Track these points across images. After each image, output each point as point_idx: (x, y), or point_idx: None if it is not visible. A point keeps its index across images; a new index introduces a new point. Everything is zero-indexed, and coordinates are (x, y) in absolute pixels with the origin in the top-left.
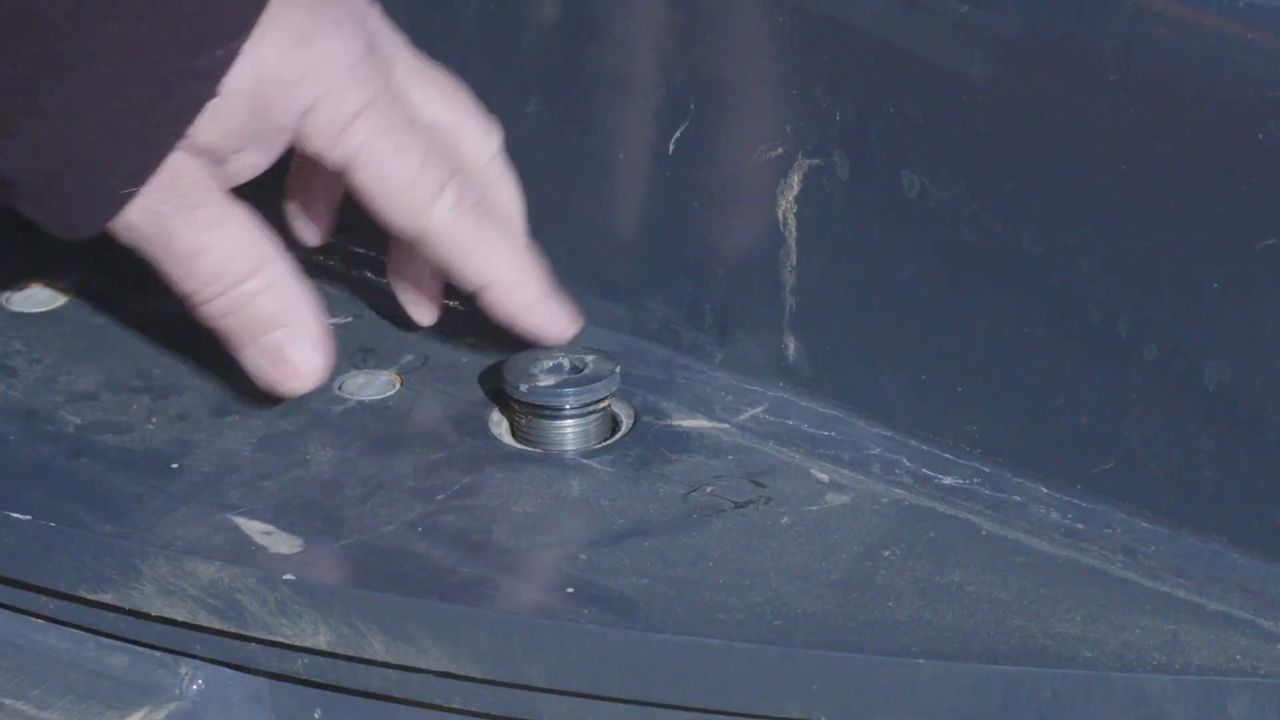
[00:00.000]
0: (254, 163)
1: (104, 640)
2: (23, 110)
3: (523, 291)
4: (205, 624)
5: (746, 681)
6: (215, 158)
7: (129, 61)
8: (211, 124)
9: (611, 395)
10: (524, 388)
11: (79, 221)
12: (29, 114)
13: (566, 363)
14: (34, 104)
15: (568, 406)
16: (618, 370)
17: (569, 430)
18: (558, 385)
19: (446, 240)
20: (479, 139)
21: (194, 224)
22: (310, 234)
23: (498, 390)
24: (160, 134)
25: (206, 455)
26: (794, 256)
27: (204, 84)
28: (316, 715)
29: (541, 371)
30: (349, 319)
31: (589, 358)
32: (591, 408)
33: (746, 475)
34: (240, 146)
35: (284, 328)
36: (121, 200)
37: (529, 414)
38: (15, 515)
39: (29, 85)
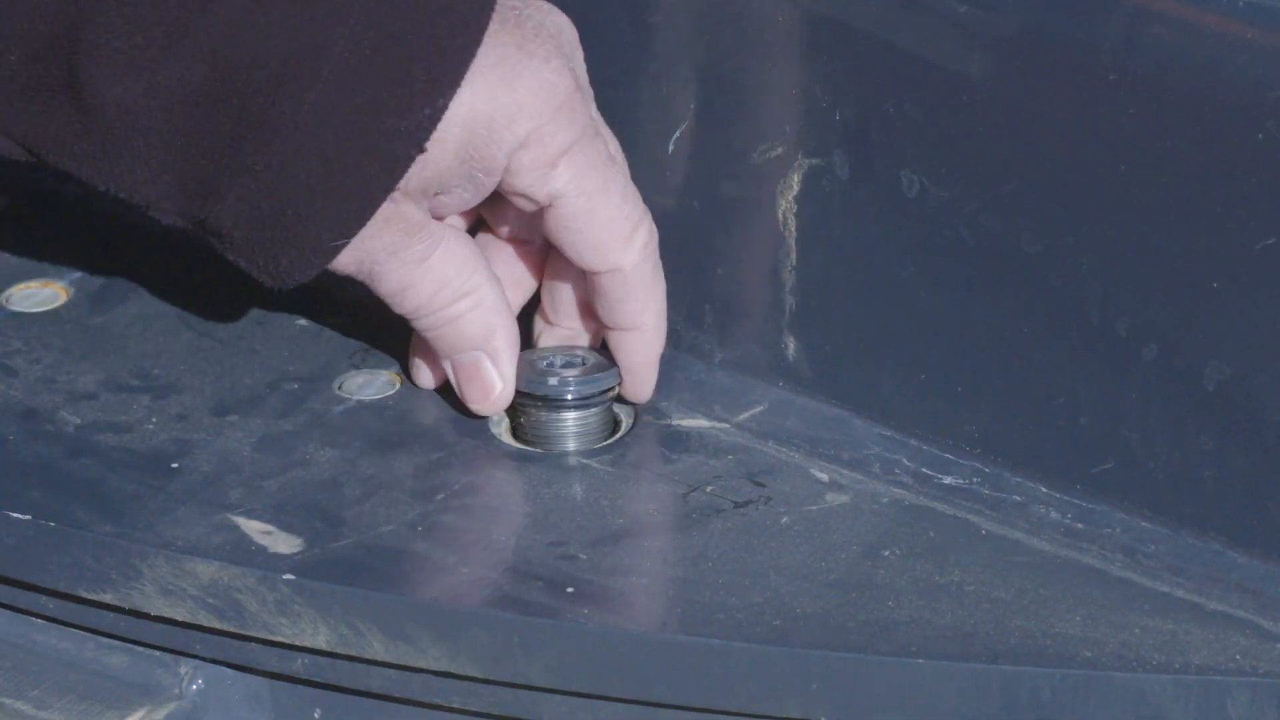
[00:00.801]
0: (464, 199)
1: (104, 640)
2: (231, 170)
3: (658, 344)
4: (205, 624)
5: (746, 681)
6: (425, 197)
7: (333, 126)
8: (420, 172)
9: (613, 389)
10: (526, 380)
11: (289, 272)
12: (238, 174)
13: (564, 359)
14: (242, 164)
15: (569, 397)
16: (616, 367)
17: (570, 425)
18: (559, 379)
19: (630, 280)
20: None
21: (402, 264)
22: None
23: None
24: (368, 190)
25: (206, 455)
26: (794, 256)
27: (410, 142)
28: (316, 715)
29: (542, 366)
30: (349, 319)
31: (588, 355)
32: (593, 400)
33: (746, 475)
34: (450, 187)
35: (479, 350)
36: (331, 252)
37: (531, 408)
38: (15, 515)
39: (237, 147)
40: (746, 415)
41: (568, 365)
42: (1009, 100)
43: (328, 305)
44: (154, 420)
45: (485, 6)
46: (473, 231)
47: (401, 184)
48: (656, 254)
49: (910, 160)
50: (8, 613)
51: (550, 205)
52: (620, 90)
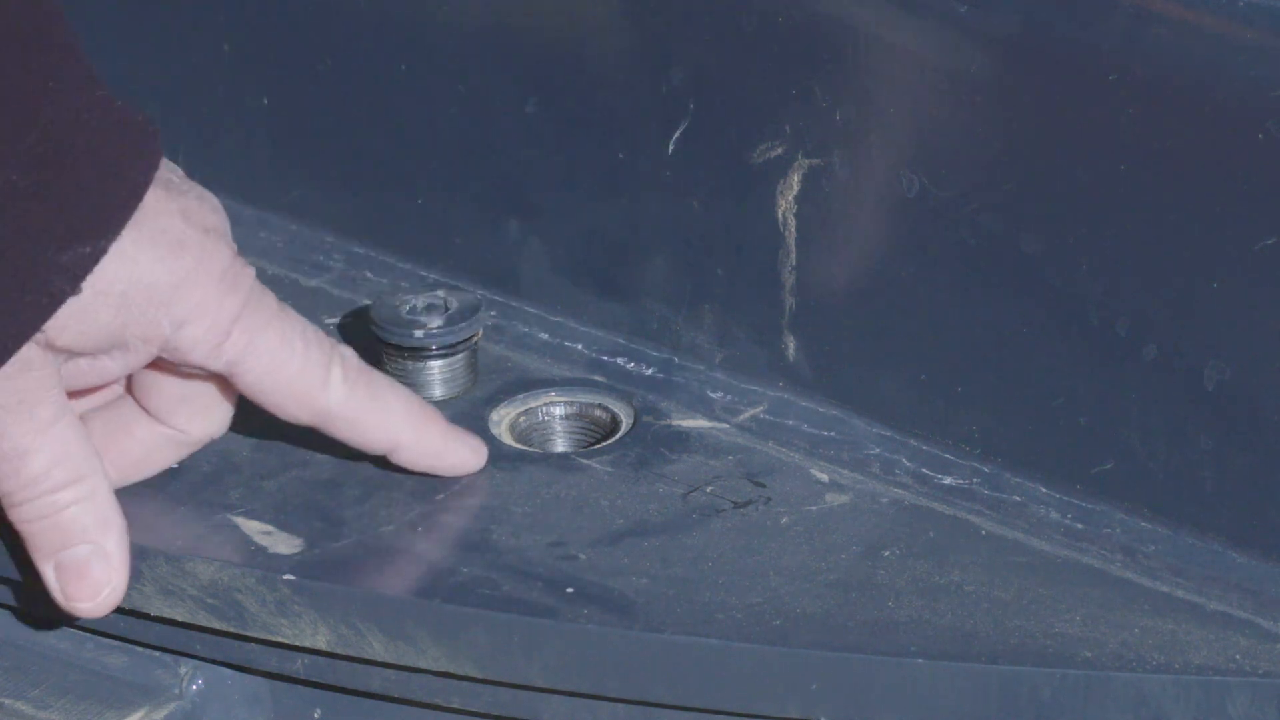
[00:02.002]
0: (107, 369)
1: (104, 640)
2: None
3: (429, 442)
4: (205, 624)
5: (746, 681)
6: (68, 356)
7: None
8: (72, 323)
9: (479, 334)
10: (391, 330)
11: None
12: None
13: (425, 302)
14: None
15: (434, 347)
16: (481, 311)
17: (436, 373)
18: (424, 330)
19: (348, 418)
20: None
21: (29, 422)
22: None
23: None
24: (15, 328)
25: (206, 455)
26: (794, 256)
27: (66, 280)
28: (316, 715)
29: (404, 313)
30: (348, 319)
31: (450, 298)
32: (459, 348)
33: (746, 475)
34: (99, 350)
35: (91, 544)
36: None
37: (398, 358)
38: None
39: None
40: (746, 415)
41: (430, 310)
42: (1009, 100)
43: (328, 305)
44: None
45: (151, 163)
46: None
47: (51, 331)
48: (366, 376)
49: (910, 160)
50: (8, 613)
51: (234, 374)
52: (620, 90)
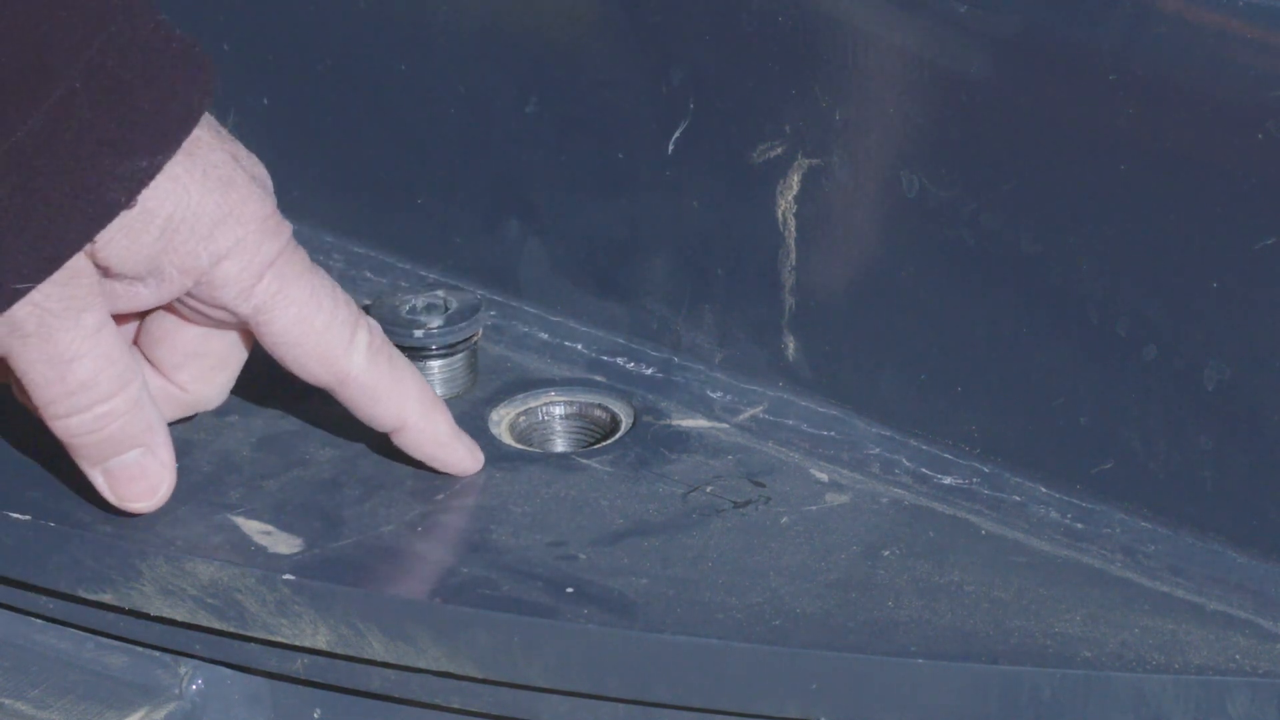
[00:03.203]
0: (140, 297)
1: (104, 640)
2: None
3: (436, 430)
4: (205, 624)
5: (746, 681)
6: (109, 276)
7: (49, 155)
8: (120, 238)
9: (478, 334)
10: (389, 330)
11: None
12: None
13: (425, 302)
14: None
15: (434, 347)
16: (482, 311)
17: (436, 373)
18: (424, 330)
19: (365, 385)
20: None
21: (77, 328)
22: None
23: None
24: (70, 235)
25: (206, 455)
26: (794, 256)
27: (122, 190)
28: (316, 715)
29: (404, 314)
30: None
31: (449, 298)
32: (459, 347)
33: (746, 475)
34: (138, 275)
35: (142, 446)
36: (14, 295)
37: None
38: (15, 515)
39: None
40: (746, 415)
41: (430, 310)
42: (1009, 100)
43: None
44: None
45: (206, 90)
46: None
47: (102, 242)
48: (388, 349)
49: (910, 160)
50: (8, 613)
51: (259, 322)
52: (620, 90)
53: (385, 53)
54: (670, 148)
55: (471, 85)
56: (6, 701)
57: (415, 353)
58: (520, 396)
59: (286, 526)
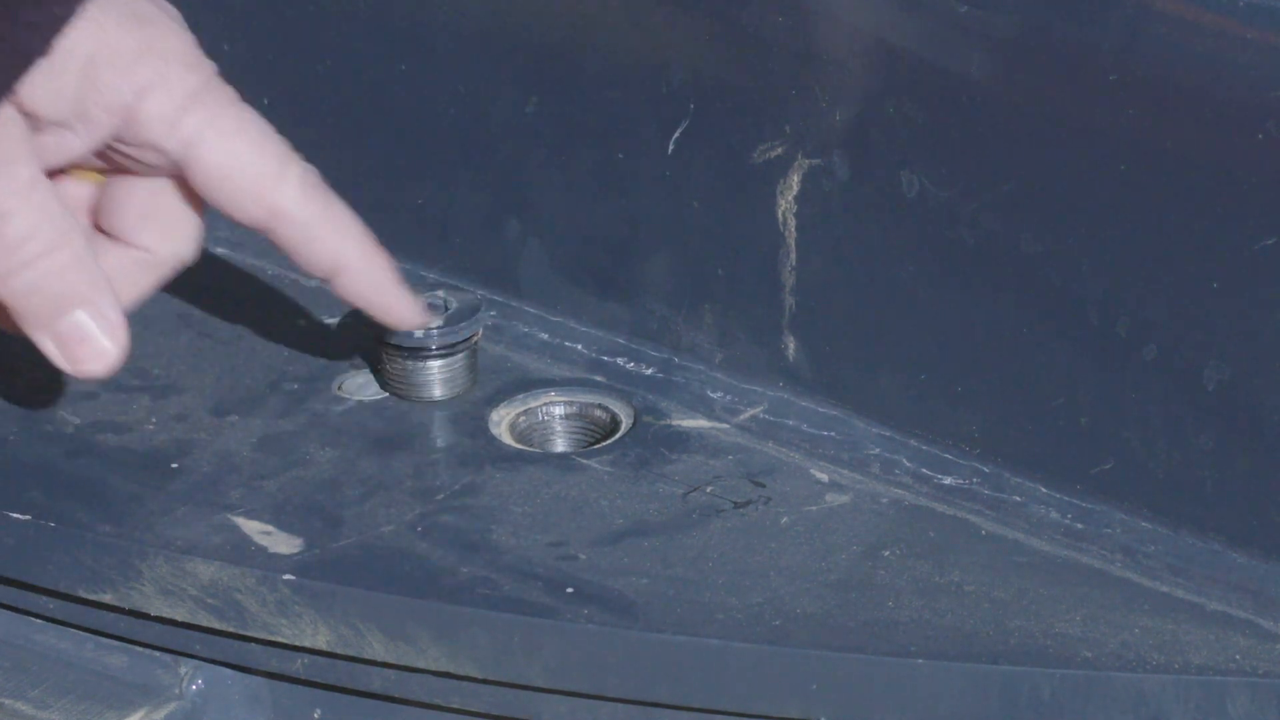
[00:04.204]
0: (71, 146)
1: (104, 640)
2: None
3: (378, 273)
4: (205, 624)
5: (746, 681)
6: (38, 125)
7: None
8: (42, 86)
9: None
10: (390, 330)
11: None
12: None
13: (425, 301)
14: None
15: (434, 346)
16: (482, 312)
17: (435, 373)
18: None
19: (300, 219)
20: None
21: (9, 183)
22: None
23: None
24: None
25: (206, 455)
26: (794, 256)
27: (38, 39)
28: (316, 715)
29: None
30: (348, 319)
31: (449, 297)
32: (459, 347)
33: (746, 475)
34: (65, 120)
35: (88, 306)
36: None
37: (398, 357)
38: (15, 515)
39: None
40: (746, 415)
41: (430, 310)
42: (1009, 100)
43: (328, 305)
44: (154, 420)
45: None
46: None
47: (22, 93)
48: (323, 189)
49: (910, 160)
50: (8, 613)
51: (187, 157)
52: (620, 90)
53: (385, 53)
54: (670, 148)
55: (471, 85)
56: (6, 701)
57: (415, 353)
58: (520, 396)
59: (286, 526)
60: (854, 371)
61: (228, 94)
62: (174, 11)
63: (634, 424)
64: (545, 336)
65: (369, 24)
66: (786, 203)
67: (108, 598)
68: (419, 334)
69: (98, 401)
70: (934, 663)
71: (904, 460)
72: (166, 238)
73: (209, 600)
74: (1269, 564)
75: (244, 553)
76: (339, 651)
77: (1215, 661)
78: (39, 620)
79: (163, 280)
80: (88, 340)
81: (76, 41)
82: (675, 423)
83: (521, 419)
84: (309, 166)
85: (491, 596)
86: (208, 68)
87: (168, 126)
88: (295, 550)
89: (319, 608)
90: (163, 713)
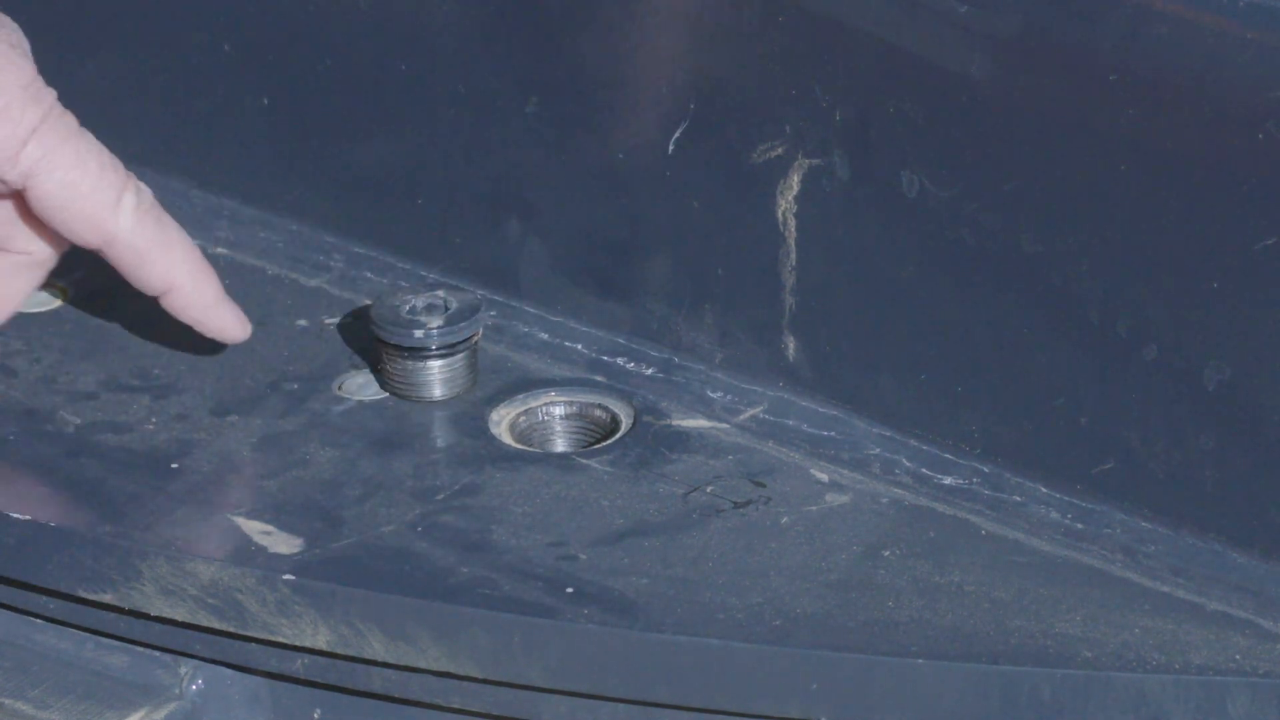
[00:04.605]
0: None
1: (104, 640)
2: None
3: (205, 292)
4: (205, 624)
5: (746, 681)
6: None
7: None
8: None
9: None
10: (390, 330)
11: None
12: None
13: (426, 302)
14: None
15: (434, 346)
16: (482, 312)
17: (435, 373)
18: (424, 329)
19: (132, 245)
20: None
21: None
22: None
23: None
24: None
25: (206, 455)
26: (794, 256)
27: None
28: (316, 715)
29: (405, 313)
30: (348, 319)
31: (450, 298)
32: (459, 347)
33: (746, 475)
34: None
35: None
36: None
37: (397, 357)
38: (15, 515)
39: None
40: (746, 415)
41: (430, 310)
42: (1009, 100)
43: (328, 305)
44: (154, 420)
45: None
46: None
47: None
48: (157, 212)
49: (910, 160)
50: (8, 613)
51: (27, 186)
52: (620, 90)
53: (385, 53)
54: (670, 148)
55: (471, 85)
56: (6, 701)
57: (415, 353)
58: (520, 396)
59: (286, 526)
60: (854, 371)
61: (68, 125)
62: (16, 38)
63: (634, 424)
64: (545, 336)
65: (369, 24)
66: (786, 203)
67: (108, 598)
68: (419, 334)
69: (98, 401)
70: (934, 663)
71: (904, 460)
72: (39, 239)
73: (209, 600)
74: (1269, 564)
75: (244, 553)
76: (339, 651)
77: (1215, 661)
78: (39, 620)
79: (45, 275)
80: None
81: None
82: (675, 423)
83: (521, 419)
84: (143, 189)
85: (491, 596)
86: (48, 99)
87: (8, 159)
88: (295, 550)
89: (319, 608)
90: (163, 713)
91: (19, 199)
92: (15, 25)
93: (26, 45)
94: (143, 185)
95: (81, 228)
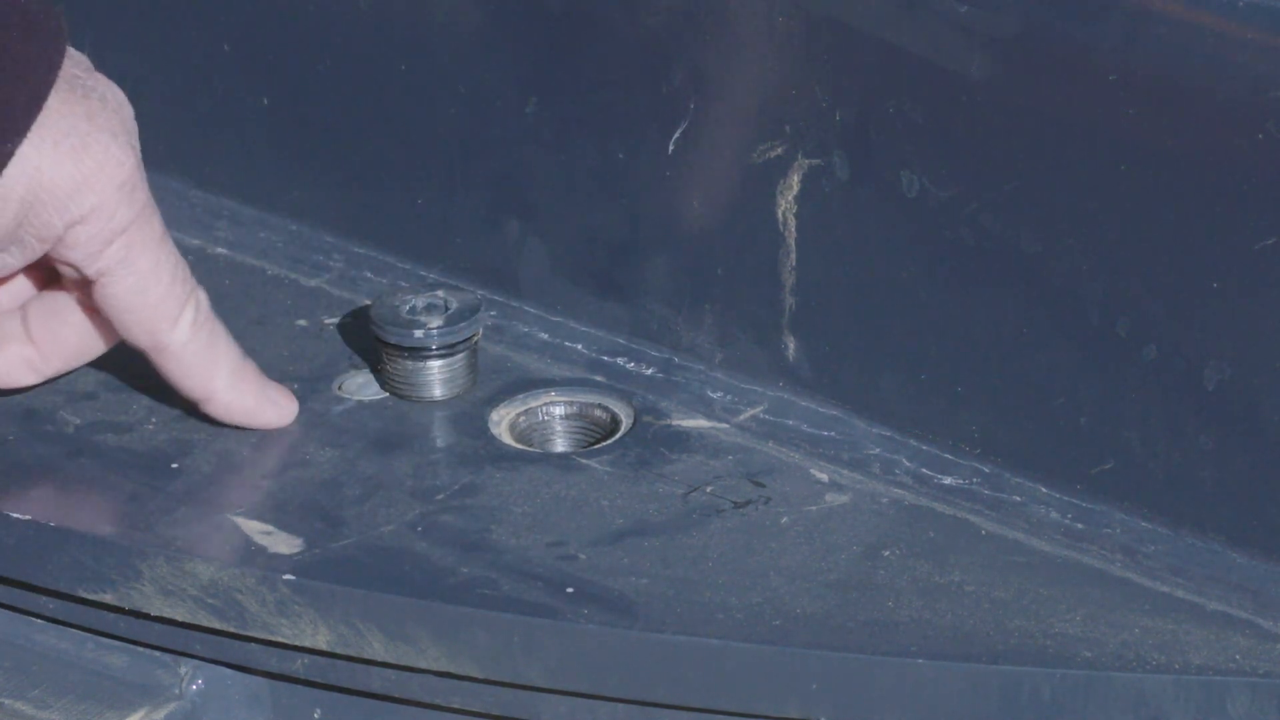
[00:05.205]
0: (6, 264)
1: (104, 640)
2: None
3: (241, 400)
4: (205, 624)
5: (746, 681)
6: None
7: None
8: None
9: (478, 333)
10: (390, 329)
11: None
12: None
13: (426, 302)
14: None
15: (434, 346)
16: (481, 311)
17: (435, 373)
18: (424, 330)
19: (179, 359)
20: None
21: None
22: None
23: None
24: None
25: (206, 455)
26: (794, 256)
27: None
28: (316, 715)
29: (405, 313)
30: (348, 319)
31: (449, 297)
32: (459, 347)
33: (746, 475)
34: (1, 247)
35: None
36: None
37: (397, 357)
38: (15, 515)
39: None
40: (746, 415)
41: (430, 310)
42: (1009, 100)
43: (328, 305)
44: (154, 420)
45: (52, 66)
46: None
47: None
48: (211, 323)
49: (910, 160)
50: (8, 613)
51: (101, 283)
52: (620, 90)
53: (385, 53)
54: (670, 148)
55: (471, 85)
56: (6, 701)
57: (415, 353)
58: (520, 396)
59: (286, 526)
60: (854, 371)
61: (152, 230)
62: (114, 120)
63: (634, 424)
64: (545, 336)
65: (369, 24)
66: (786, 203)
67: (108, 598)
68: (419, 334)
69: (98, 401)
70: (934, 663)
71: (904, 460)
72: (95, 331)
73: (209, 600)
74: (1269, 564)
75: (244, 553)
76: (339, 651)
77: (1215, 661)
78: (39, 620)
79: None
80: None
81: (11, 184)
82: (675, 423)
83: (521, 419)
84: (202, 300)
85: (491, 596)
86: (141, 198)
87: (90, 255)
88: (295, 550)
89: (319, 608)
90: (163, 713)
91: (85, 288)
92: (125, 101)
93: (134, 128)
94: (202, 294)
95: (137, 331)
